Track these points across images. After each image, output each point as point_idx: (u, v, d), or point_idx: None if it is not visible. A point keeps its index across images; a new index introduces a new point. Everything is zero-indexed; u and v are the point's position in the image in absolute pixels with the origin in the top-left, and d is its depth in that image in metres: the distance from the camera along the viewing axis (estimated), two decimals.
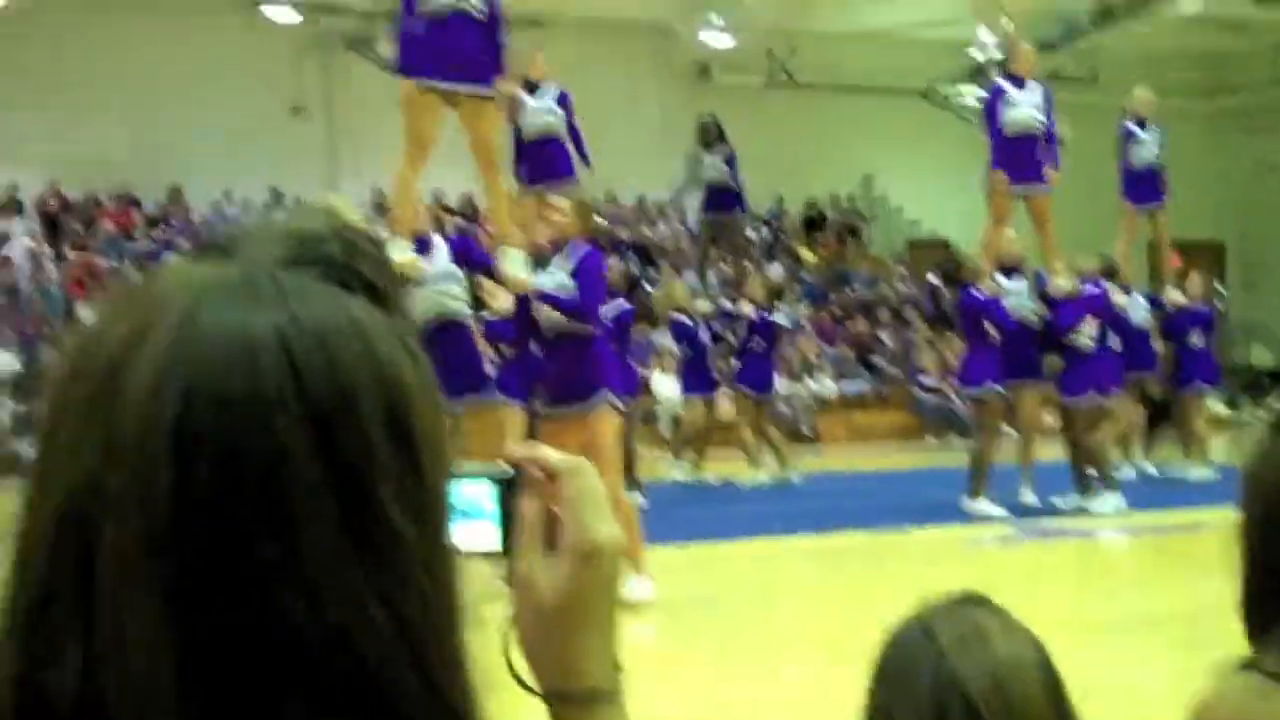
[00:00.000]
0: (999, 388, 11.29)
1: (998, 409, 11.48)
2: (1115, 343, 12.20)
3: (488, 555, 1.01)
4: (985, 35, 22.99)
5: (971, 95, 23.76)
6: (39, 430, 0.83)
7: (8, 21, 19.10)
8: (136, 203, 21.12)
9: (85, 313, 18.46)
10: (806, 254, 23.85)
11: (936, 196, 25.04)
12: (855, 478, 15.15)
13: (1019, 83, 11.53)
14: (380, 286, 0.87)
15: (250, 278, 0.83)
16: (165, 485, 0.77)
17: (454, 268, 7.88)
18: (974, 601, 1.62)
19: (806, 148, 23.60)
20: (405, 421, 0.83)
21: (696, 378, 14.25)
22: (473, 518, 1.01)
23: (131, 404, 0.78)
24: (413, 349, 0.86)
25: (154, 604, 0.77)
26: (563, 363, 7.34)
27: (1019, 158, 11.33)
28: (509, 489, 1.02)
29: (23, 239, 19.61)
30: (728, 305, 15.33)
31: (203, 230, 20.53)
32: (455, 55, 7.47)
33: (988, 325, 11.32)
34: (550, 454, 1.02)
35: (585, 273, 7.30)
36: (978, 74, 23.29)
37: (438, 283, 7.76)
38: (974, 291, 11.46)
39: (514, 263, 7.61)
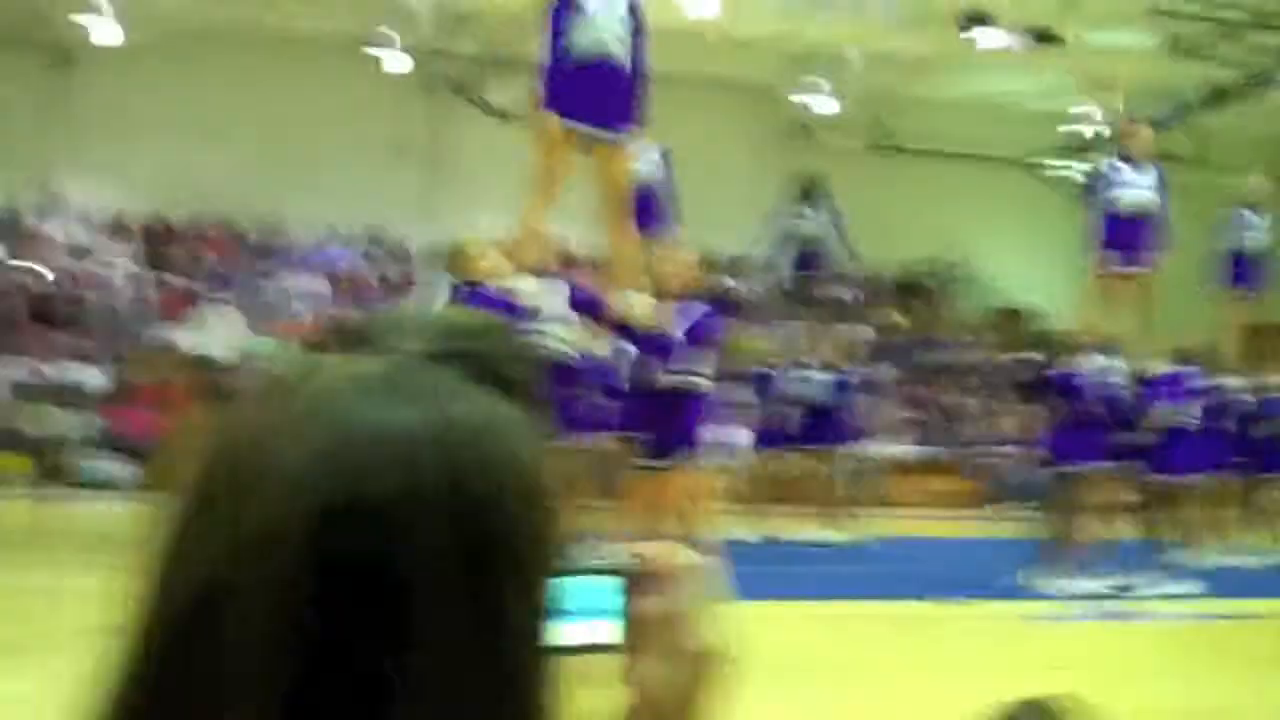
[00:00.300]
0: (1089, 465, 11.15)
1: (1084, 485, 11.34)
2: (1202, 424, 12.02)
3: (605, 651, 0.99)
4: (1093, 110, 22.85)
5: (1075, 169, 23.62)
6: (166, 517, 0.80)
7: (124, 54, 19.48)
8: (239, 233, 21.40)
9: (178, 335, 18.70)
10: (896, 317, 23.73)
11: (1028, 267, 24.86)
12: (926, 544, 14.99)
13: (1133, 163, 11.41)
14: (521, 383, 0.85)
15: (402, 373, 0.81)
16: (303, 589, 0.74)
17: (569, 312, 7.84)
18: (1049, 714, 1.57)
19: (902, 212, 23.49)
20: (542, 525, 0.82)
21: (773, 432, 14.19)
22: (591, 613, 0.99)
23: (275, 500, 0.76)
24: (548, 450, 0.84)
25: (270, 712, 0.74)
26: (664, 415, 7.32)
27: (1129, 238, 11.21)
28: (629, 586, 1.00)
29: (126, 261, 19.92)
30: (809, 363, 15.27)
31: (305, 265, 20.82)
32: (599, 100, 7.45)
33: (1084, 401, 11.19)
34: (672, 553, 1.01)
35: (703, 330, 7.33)
36: (1082, 149, 23.16)
37: (551, 323, 7.71)
38: (1073, 367, 11.34)
39: (643, 305, 7.59)
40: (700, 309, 7.48)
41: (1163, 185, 11.43)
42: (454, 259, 7.55)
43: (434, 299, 8.47)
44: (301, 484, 0.75)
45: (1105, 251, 11.32)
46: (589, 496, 8.01)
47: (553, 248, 8.00)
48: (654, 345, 7.53)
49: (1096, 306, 11.58)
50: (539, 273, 7.81)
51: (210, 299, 19.64)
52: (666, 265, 7.86)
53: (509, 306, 7.27)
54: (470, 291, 7.29)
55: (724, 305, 21.97)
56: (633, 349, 7.91)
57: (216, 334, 18.09)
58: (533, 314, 7.55)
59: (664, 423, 7.45)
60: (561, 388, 7.65)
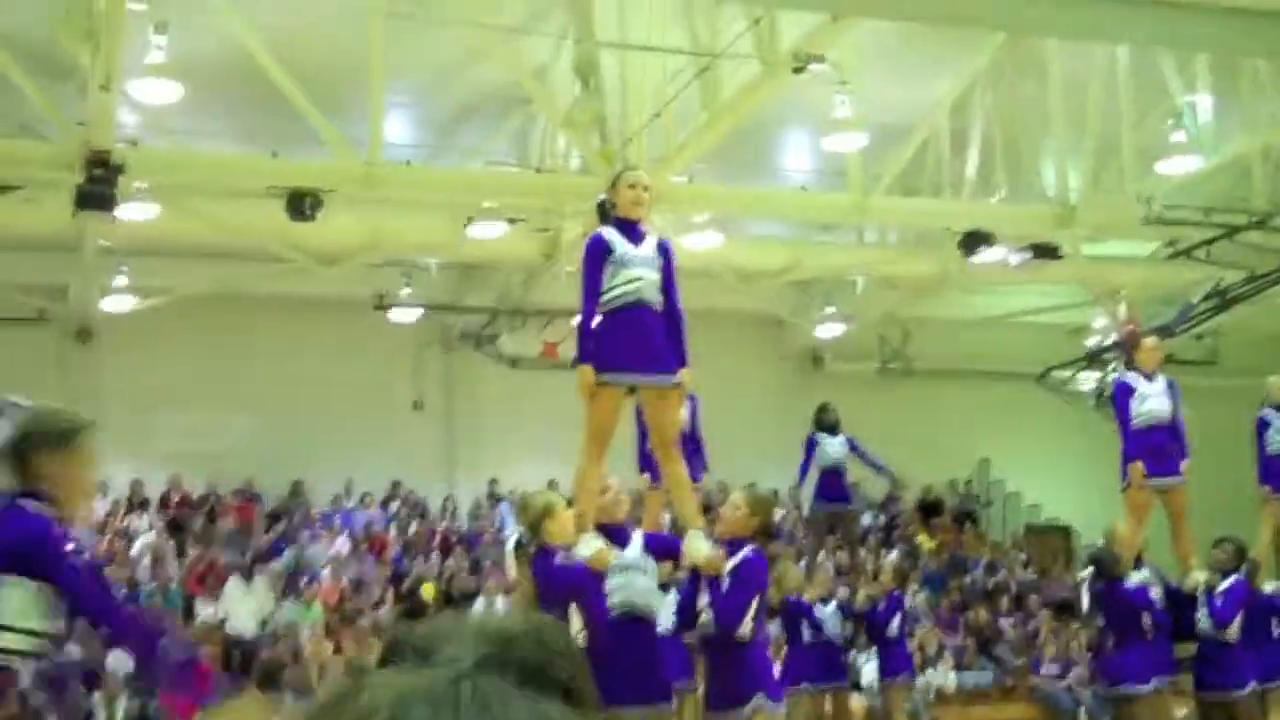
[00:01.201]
0: (1149, 685, 10.91)
1: (1145, 706, 11.07)
2: (1243, 633, 11.79)
3: None
4: (1101, 320, 23.11)
5: (1089, 381, 23.76)
6: None
7: (141, 323, 19.82)
8: (258, 497, 21.44)
9: (204, 609, 18.62)
10: (924, 541, 23.58)
11: (1053, 481, 24.81)
12: None
13: (1146, 376, 11.49)
14: (572, 684, 0.88)
15: (451, 686, 0.83)
16: None
17: (646, 558, 7.75)
18: None
19: (921, 432, 23.56)
20: None
21: (819, 668, 13.91)
22: None
23: None
24: None
25: None
26: (719, 663, 7.23)
27: (1152, 450, 11.21)
28: None
29: (146, 535, 19.92)
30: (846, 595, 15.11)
31: (326, 526, 20.82)
32: (638, 347, 7.49)
33: (1135, 618, 11.01)
34: None
35: (745, 572, 7.29)
36: (1094, 358, 23.35)
37: (628, 573, 7.61)
38: (1129, 585, 11.20)
39: (703, 546, 7.54)
40: (744, 549, 7.44)
41: (1174, 393, 11.49)
42: (523, 515, 7.50)
43: (505, 553, 8.40)
44: None
45: (1132, 465, 11.31)
46: None
47: (619, 497, 7.92)
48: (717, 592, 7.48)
49: (1133, 521, 11.51)
50: (613, 526, 7.72)
51: (232, 568, 19.55)
52: (724, 511, 7.84)
53: (579, 574, 7.22)
54: (540, 559, 7.24)
55: (774, 537, 21.98)
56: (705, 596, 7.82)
57: (242, 604, 17.92)
58: (610, 572, 7.46)
59: (716, 671, 7.35)
60: (644, 644, 7.50)
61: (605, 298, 7.38)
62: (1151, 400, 11.29)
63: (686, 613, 7.93)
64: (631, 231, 7.49)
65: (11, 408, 5.55)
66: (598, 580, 7.30)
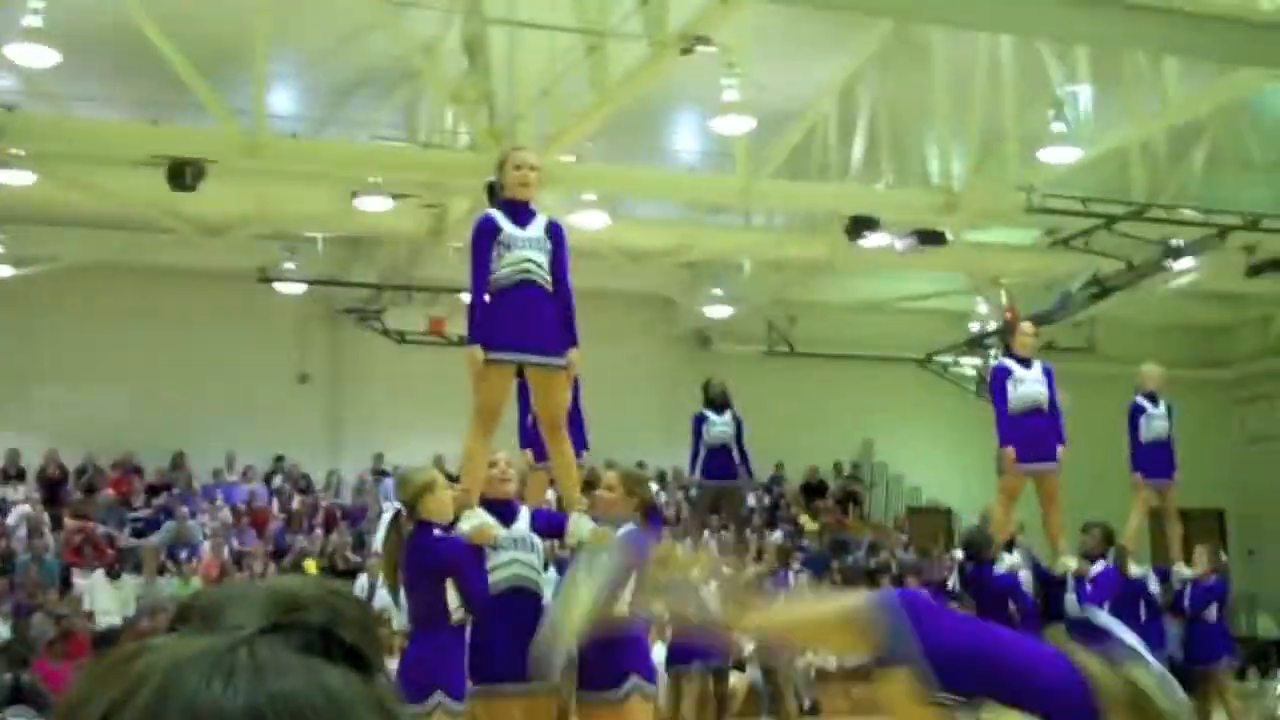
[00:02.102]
0: None
1: None
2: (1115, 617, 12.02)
3: None
4: (983, 307, 23.44)
5: (970, 365, 24.10)
6: None
7: (12, 289, 19.46)
8: (138, 470, 21.16)
9: (80, 581, 18.38)
10: (807, 522, 23.80)
11: (936, 463, 25.13)
12: None
13: (1023, 361, 11.66)
14: (362, 651, 0.87)
15: (227, 651, 0.83)
16: None
17: (532, 535, 7.72)
18: None
19: (806, 415, 23.77)
20: None
21: (695, 648, 13.99)
22: None
23: None
24: (393, 714, 0.86)
25: None
26: (594, 643, 7.20)
27: (1027, 435, 11.37)
28: None
29: (22, 506, 19.60)
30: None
31: (207, 499, 20.61)
32: (526, 327, 7.47)
33: (1002, 600, 11.19)
34: None
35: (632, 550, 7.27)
36: (976, 344, 23.67)
37: (514, 549, 7.58)
38: (997, 569, 11.37)
39: (587, 525, 7.54)
40: (628, 527, 7.43)
41: (1050, 379, 11.67)
42: (402, 490, 7.46)
43: (378, 529, 8.36)
44: None
45: (1006, 449, 11.48)
46: None
47: (507, 472, 7.89)
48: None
49: (1005, 504, 11.70)
50: (502, 501, 7.70)
51: (110, 541, 19.30)
52: (597, 492, 7.82)
53: (457, 549, 7.20)
54: (418, 533, 7.21)
55: (655, 520, 22.01)
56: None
57: (108, 597, 17.65)
58: (494, 546, 7.44)
59: (593, 653, 7.32)
60: (531, 617, 7.47)
61: (493, 278, 7.37)
62: (1027, 385, 11.46)
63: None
64: (520, 212, 7.48)
65: None
66: (478, 555, 7.28)
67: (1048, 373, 11.67)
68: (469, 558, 7.21)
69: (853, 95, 19.43)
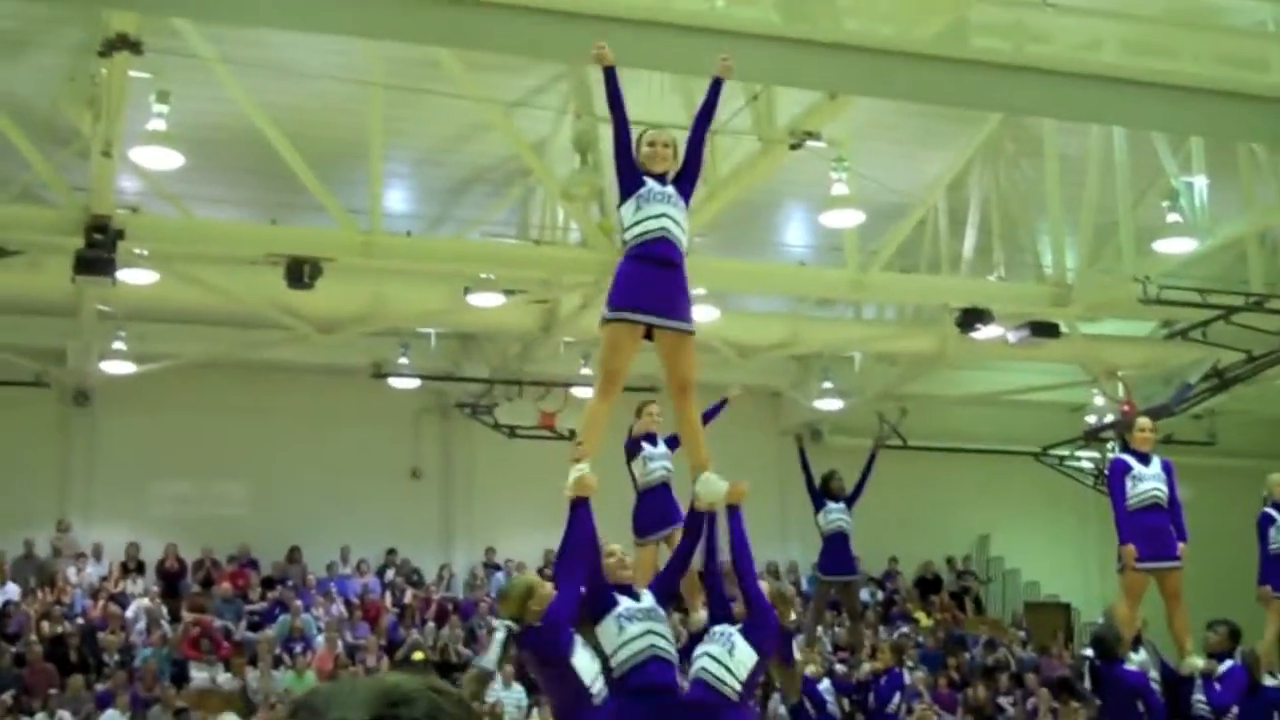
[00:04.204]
0: None
1: None
2: None
3: None
4: (1099, 399, 23.10)
5: (1087, 458, 23.72)
6: None
7: (139, 388, 19.87)
8: (254, 563, 21.42)
9: (198, 674, 18.60)
10: (922, 618, 23.47)
11: (1053, 558, 24.74)
12: None
13: (1142, 458, 11.43)
14: None
15: None
16: None
17: (658, 609, 7.69)
18: None
19: (919, 509, 23.53)
20: None
21: None
22: None
23: None
24: None
25: None
26: None
27: (1147, 533, 11.13)
28: None
29: (141, 599, 19.90)
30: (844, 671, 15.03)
31: (322, 593, 20.80)
32: (661, 291, 7.54)
33: (1131, 699, 10.92)
34: None
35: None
36: (1093, 437, 23.31)
37: (646, 619, 7.55)
38: (1127, 667, 11.12)
39: (720, 483, 7.55)
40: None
41: (1170, 474, 11.42)
42: (507, 605, 7.49)
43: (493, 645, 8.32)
44: None
45: (1127, 547, 11.23)
46: None
47: (624, 559, 7.89)
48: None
49: (1129, 602, 11.44)
50: (618, 586, 7.68)
51: (226, 635, 19.55)
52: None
53: (565, 643, 7.22)
54: (533, 634, 7.23)
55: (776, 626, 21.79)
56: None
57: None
58: (629, 619, 7.41)
59: None
60: (669, 690, 7.41)
61: (630, 234, 7.49)
62: (1145, 482, 11.21)
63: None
64: (659, 179, 7.62)
65: None
66: (571, 646, 7.28)
67: (1167, 468, 11.42)
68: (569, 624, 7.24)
69: (963, 187, 19.35)
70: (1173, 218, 17.39)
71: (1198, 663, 11.25)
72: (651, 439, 10.81)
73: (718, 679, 7.37)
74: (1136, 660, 11.34)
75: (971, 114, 17.46)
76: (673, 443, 10.61)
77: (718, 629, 7.59)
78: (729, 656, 7.41)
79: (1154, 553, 11.13)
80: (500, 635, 7.61)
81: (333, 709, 0.92)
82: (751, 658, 7.44)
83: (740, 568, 7.68)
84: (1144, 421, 12.01)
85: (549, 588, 7.29)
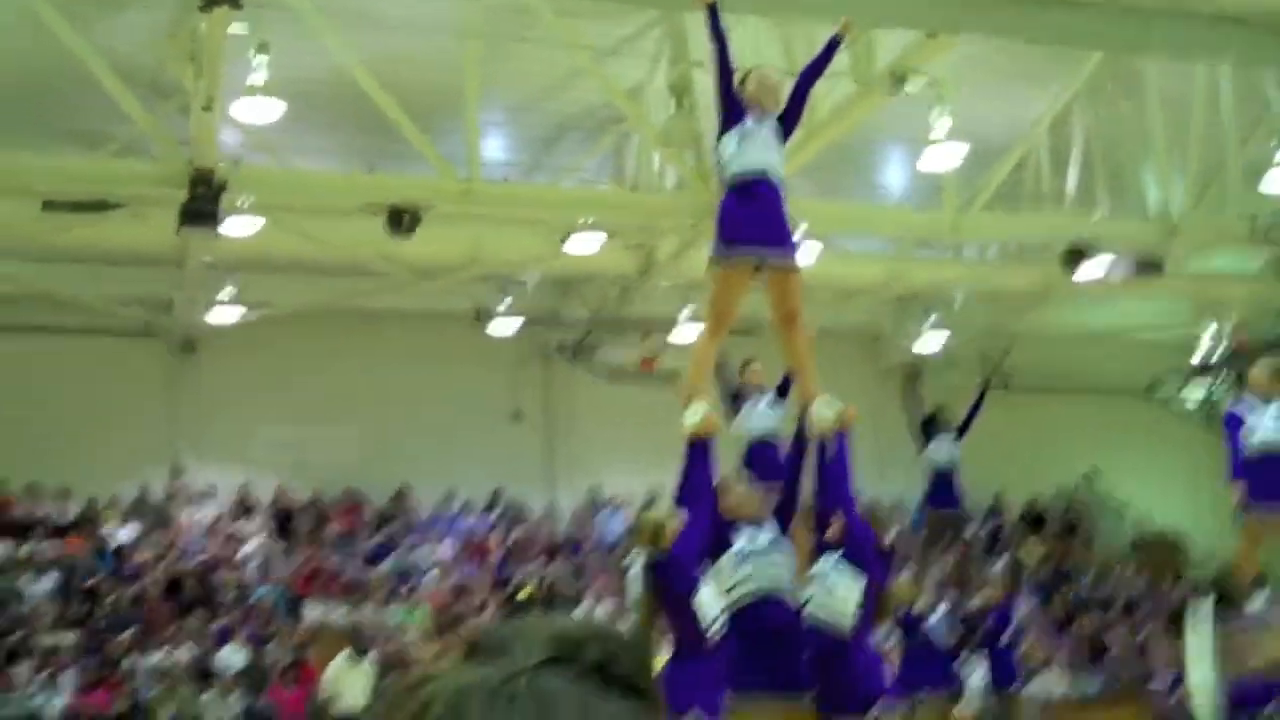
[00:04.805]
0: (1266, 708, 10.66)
1: None
2: None
3: None
4: (1208, 335, 22.67)
5: (1195, 396, 23.34)
6: None
7: (244, 336, 20.21)
8: (363, 503, 21.74)
9: (311, 611, 19.00)
10: (1028, 550, 23.30)
11: (1163, 493, 24.40)
12: None
13: (1261, 399, 11.06)
14: (637, 683, 0.93)
15: (509, 681, 0.90)
16: None
17: (781, 542, 7.73)
18: None
19: (1026, 447, 23.30)
20: None
21: (930, 675, 13.74)
22: None
23: None
24: None
25: None
26: (838, 666, 7.20)
27: (1266, 479, 10.83)
28: None
29: (256, 537, 20.31)
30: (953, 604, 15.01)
31: (431, 532, 21.10)
32: (767, 228, 7.55)
33: None
34: None
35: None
36: (1201, 373, 22.93)
37: (764, 557, 7.60)
38: (1249, 610, 10.97)
39: (830, 408, 7.60)
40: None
41: None
42: (641, 537, 7.61)
43: (631, 580, 8.49)
44: None
45: (1244, 492, 10.91)
46: None
47: (748, 496, 7.96)
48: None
49: (1249, 544, 11.20)
50: (750, 519, 7.75)
51: (340, 571, 19.94)
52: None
53: (690, 578, 7.34)
54: (667, 564, 7.34)
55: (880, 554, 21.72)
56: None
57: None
58: (740, 559, 7.51)
59: (842, 675, 7.32)
60: (780, 626, 7.48)
61: (730, 169, 7.53)
62: (1262, 432, 10.87)
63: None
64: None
65: None
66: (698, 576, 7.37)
67: None
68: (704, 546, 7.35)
69: (1065, 125, 18.97)
70: None
71: None
72: (758, 391, 10.82)
73: (827, 622, 7.42)
74: (1259, 602, 11.14)
75: (1072, 52, 17.12)
76: (783, 391, 10.58)
77: (815, 570, 7.63)
78: (830, 596, 7.45)
79: (1270, 500, 10.81)
80: (638, 565, 7.75)
81: (513, 647, 0.95)
82: (854, 588, 7.47)
83: (840, 492, 7.70)
84: (1261, 363, 11.50)
85: (678, 522, 7.38)
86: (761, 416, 10.70)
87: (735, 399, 10.78)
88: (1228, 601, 11.07)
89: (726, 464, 9.64)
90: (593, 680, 0.92)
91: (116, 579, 18.83)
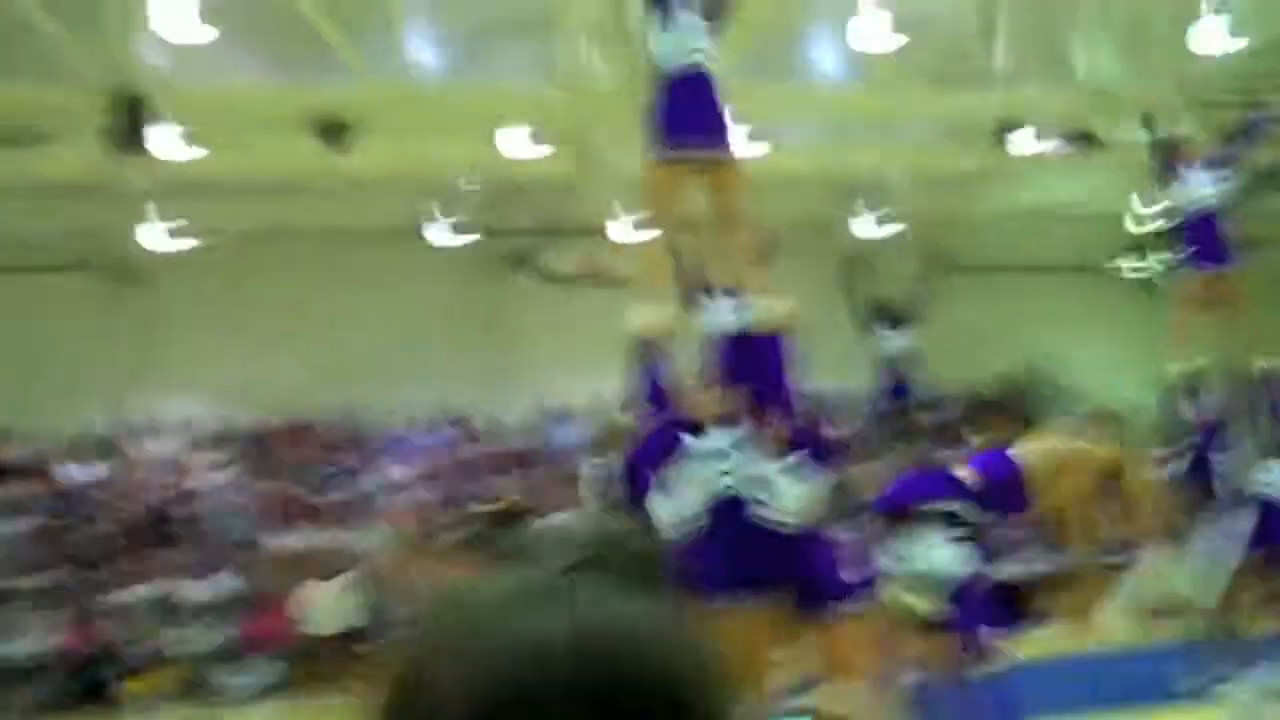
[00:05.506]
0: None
1: (1245, 578, 10.80)
2: None
3: None
4: (1139, 206, 22.83)
5: (1130, 268, 23.54)
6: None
7: (182, 263, 20.01)
8: (310, 427, 21.65)
9: (273, 540, 18.92)
10: (976, 438, 23.47)
11: (1108, 369, 24.61)
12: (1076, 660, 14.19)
13: (1187, 167, 11.07)
14: (659, 578, 0.95)
15: (548, 584, 0.91)
16: None
17: (732, 443, 7.65)
18: None
19: (969, 331, 23.41)
20: (688, 709, 0.89)
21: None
22: None
23: (438, 702, 0.88)
24: (695, 639, 0.94)
25: None
26: (807, 563, 7.18)
27: (1202, 239, 10.86)
28: None
29: (207, 471, 20.20)
30: None
31: (386, 454, 21.04)
32: (702, 121, 7.42)
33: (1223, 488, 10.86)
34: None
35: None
36: (1144, 246, 23.12)
37: (713, 459, 7.52)
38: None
39: (775, 304, 7.48)
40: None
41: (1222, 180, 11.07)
42: (614, 440, 7.59)
43: (600, 480, 8.47)
44: (458, 689, 0.88)
45: (1187, 260, 10.93)
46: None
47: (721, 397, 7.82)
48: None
49: (1183, 310, 11.20)
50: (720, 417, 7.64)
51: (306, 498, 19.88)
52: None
53: (642, 484, 7.27)
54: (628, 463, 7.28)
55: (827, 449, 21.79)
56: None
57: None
58: (702, 457, 7.37)
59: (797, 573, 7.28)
60: (743, 529, 7.42)
61: (662, 62, 7.40)
62: (1197, 188, 10.91)
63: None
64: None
65: None
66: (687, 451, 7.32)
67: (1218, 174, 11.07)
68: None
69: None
70: (1211, 15, 16.99)
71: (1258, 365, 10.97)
72: (709, 291, 10.76)
73: (780, 523, 7.40)
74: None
75: None
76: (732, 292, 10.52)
77: (763, 471, 7.53)
78: (779, 498, 7.39)
79: (1209, 257, 10.85)
80: (588, 473, 7.73)
81: (536, 552, 0.96)
82: (803, 488, 7.42)
83: (783, 392, 7.66)
84: (1186, 133, 11.44)
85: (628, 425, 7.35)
86: (723, 313, 10.65)
87: (696, 296, 10.75)
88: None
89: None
90: (635, 580, 0.94)
91: (76, 518, 18.70)
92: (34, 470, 19.49)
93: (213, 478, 20.04)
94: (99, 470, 19.77)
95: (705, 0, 7.67)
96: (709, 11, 7.65)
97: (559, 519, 18.51)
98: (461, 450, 21.62)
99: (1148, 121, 11.29)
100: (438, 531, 19.10)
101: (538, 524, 20.29)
